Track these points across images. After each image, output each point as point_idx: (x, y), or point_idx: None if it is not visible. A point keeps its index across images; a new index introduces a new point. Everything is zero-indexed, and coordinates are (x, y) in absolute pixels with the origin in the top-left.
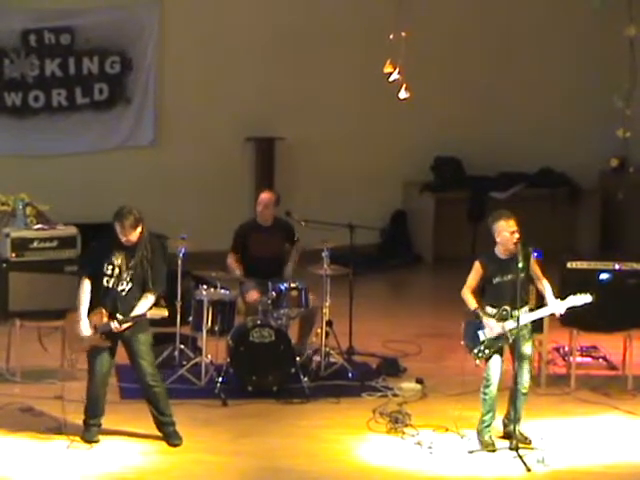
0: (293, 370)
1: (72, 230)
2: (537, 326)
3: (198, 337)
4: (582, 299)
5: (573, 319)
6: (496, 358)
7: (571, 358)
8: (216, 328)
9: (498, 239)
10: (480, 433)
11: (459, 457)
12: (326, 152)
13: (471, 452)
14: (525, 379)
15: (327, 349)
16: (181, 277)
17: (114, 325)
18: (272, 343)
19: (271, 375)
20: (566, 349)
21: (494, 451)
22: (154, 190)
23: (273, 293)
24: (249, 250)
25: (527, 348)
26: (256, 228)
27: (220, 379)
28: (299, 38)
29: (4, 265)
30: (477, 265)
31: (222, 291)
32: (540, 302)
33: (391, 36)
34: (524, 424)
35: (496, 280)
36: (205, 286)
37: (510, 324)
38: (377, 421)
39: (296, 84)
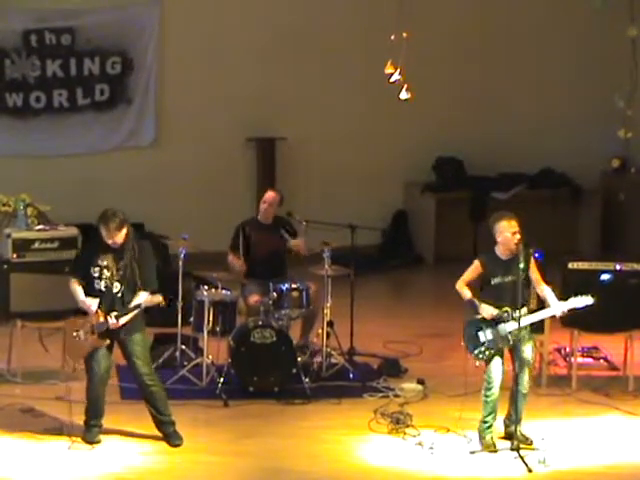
0: (294, 371)
1: (73, 231)
2: (538, 327)
3: (199, 338)
4: (583, 301)
5: (574, 320)
6: (497, 360)
7: (572, 359)
8: (217, 329)
9: (499, 239)
10: (481, 434)
11: (460, 458)
12: (327, 152)
13: (472, 453)
14: (525, 380)
15: (328, 350)
16: (182, 277)
17: (112, 321)
18: (273, 344)
19: (272, 376)
20: (567, 350)
21: (495, 452)
22: (155, 190)
23: (274, 294)
24: (250, 248)
25: (527, 349)
26: (257, 226)
27: (221, 380)
28: (300, 38)
29: (5, 266)
30: (477, 263)
31: (223, 292)
32: (540, 304)
33: (392, 37)
34: (525, 425)
35: (496, 281)
36: (206, 287)
37: (511, 326)
38: (378, 422)
39: (297, 84)
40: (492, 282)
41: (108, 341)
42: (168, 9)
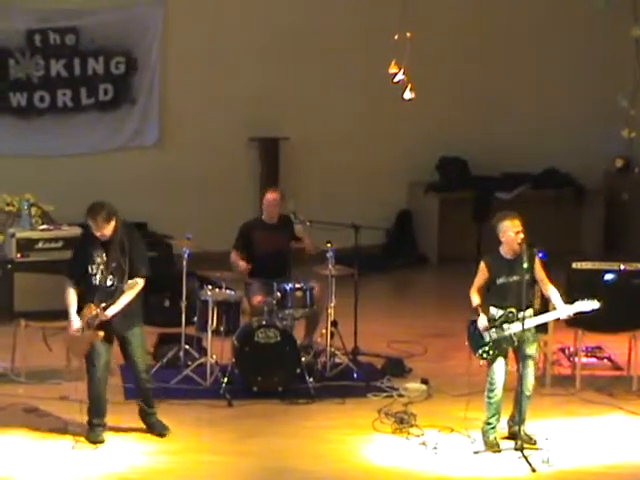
0: (298, 370)
1: (77, 231)
2: (542, 327)
3: (203, 337)
4: (589, 305)
5: (578, 320)
6: (500, 361)
7: (576, 359)
8: (221, 328)
9: (503, 239)
10: (485, 434)
11: (464, 458)
12: (330, 152)
13: (476, 453)
14: (529, 382)
15: (332, 349)
16: (186, 277)
17: (101, 313)
18: (277, 344)
19: (276, 376)
20: (571, 350)
21: (499, 452)
22: (159, 190)
23: (278, 293)
24: (254, 247)
25: (531, 350)
26: (261, 226)
27: (225, 379)
28: (303, 38)
29: (9, 266)
30: (482, 266)
31: (227, 291)
32: (545, 304)
33: (396, 37)
34: (529, 424)
35: (500, 281)
36: (210, 286)
37: (516, 326)
38: (382, 421)
39: (300, 84)
40: (497, 282)
41: (102, 333)
42: (172, 9)
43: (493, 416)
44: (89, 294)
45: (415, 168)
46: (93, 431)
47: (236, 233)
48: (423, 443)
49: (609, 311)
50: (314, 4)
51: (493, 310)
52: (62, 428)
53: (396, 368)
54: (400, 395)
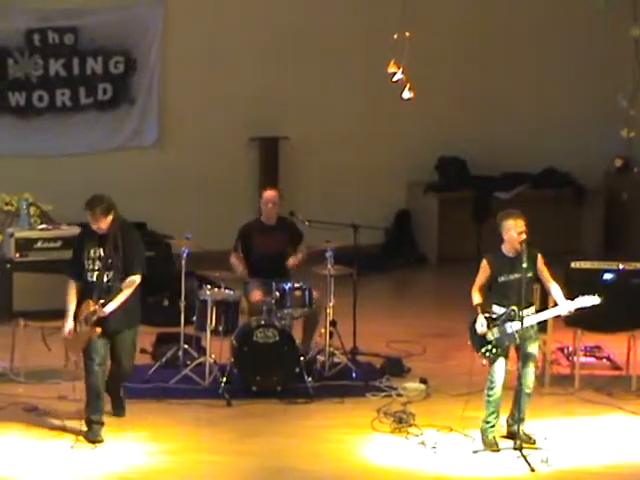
0: (297, 370)
1: (76, 230)
2: (541, 326)
3: (202, 337)
4: (590, 300)
5: (577, 319)
6: (500, 360)
7: (575, 358)
8: (220, 328)
9: (505, 237)
10: (484, 433)
11: (463, 457)
12: (330, 152)
13: (475, 452)
14: (530, 379)
15: (331, 349)
16: (185, 277)
17: (99, 310)
18: (276, 343)
19: (275, 375)
20: (570, 349)
21: (498, 451)
22: (158, 190)
23: (277, 293)
24: (253, 249)
25: (533, 348)
26: (260, 227)
27: (224, 379)
28: (303, 38)
29: (8, 265)
30: (484, 263)
31: (226, 291)
32: (544, 303)
33: (395, 36)
34: (528, 424)
35: (502, 279)
36: (209, 286)
37: (518, 324)
38: (381, 421)
39: (300, 84)
40: (499, 280)
41: (100, 329)
42: (171, 9)
43: (492, 414)
44: (87, 291)
45: (414, 168)
46: (91, 430)
47: (235, 234)
48: (422, 442)
49: (608, 311)
50: (314, 4)
51: (495, 308)
52: (61, 427)
53: (395, 368)
54: (399, 395)
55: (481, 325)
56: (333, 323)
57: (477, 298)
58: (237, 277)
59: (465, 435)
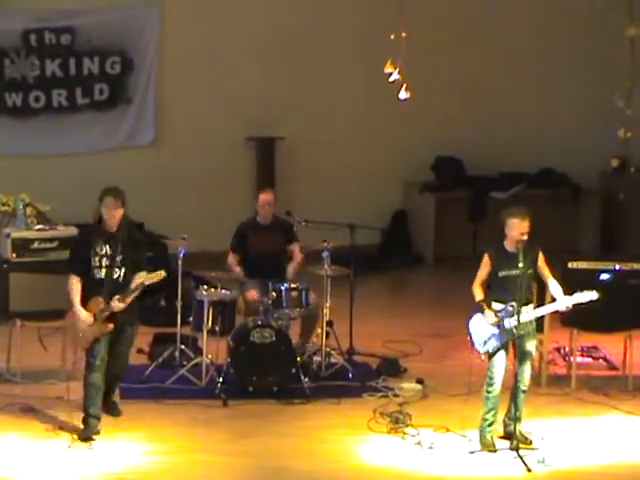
0: (294, 370)
1: (72, 231)
2: (538, 326)
3: (199, 337)
4: (588, 296)
5: (574, 319)
6: (500, 356)
7: (571, 358)
8: (217, 328)
9: (507, 234)
10: (482, 432)
11: (460, 457)
12: (326, 152)
13: (472, 453)
14: (526, 377)
15: (328, 349)
16: (182, 277)
17: (114, 304)
18: (273, 343)
19: (272, 375)
20: (566, 349)
21: (494, 451)
22: (155, 190)
23: (273, 293)
24: (249, 249)
25: (531, 346)
26: (256, 227)
27: (221, 379)
28: (299, 38)
29: (5, 266)
30: (486, 258)
31: (222, 291)
32: (541, 300)
33: (392, 36)
34: (525, 424)
35: (502, 273)
36: (205, 286)
37: (516, 320)
38: (378, 421)
39: (296, 84)
40: (499, 274)
41: (112, 325)
42: (168, 9)
43: (490, 411)
44: (95, 288)
45: (411, 168)
46: (88, 425)
47: (232, 233)
48: (418, 443)
49: (605, 311)
50: (311, 4)
51: (495, 305)
52: (58, 428)
53: (391, 368)
54: (395, 395)
55: (491, 317)
56: (330, 323)
57: (479, 294)
58: (234, 276)
59: (462, 435)
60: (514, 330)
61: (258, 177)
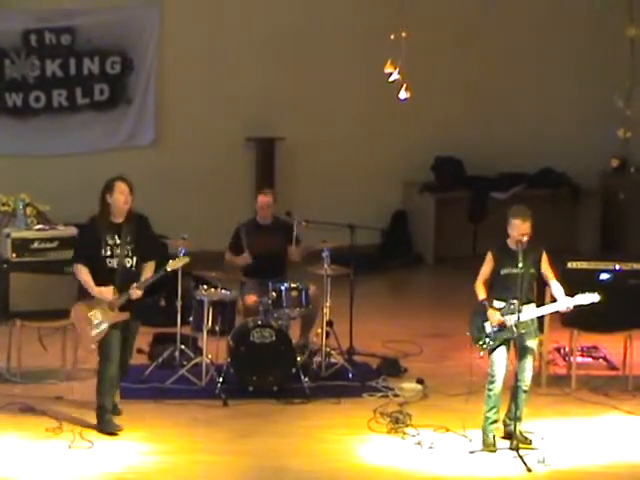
0: (294, 370)
1: (72, 231)
2: (538, 326)
3: (199, 337)
4: (589, 298)
5: (574, 319)
6: (501, 353)
7: (571, 358)
8: (217, 328)
9: (509, 233)
10: (484, 431)
11: (460, 457)
12: (326, 152)
13: (472, 452)
14: (527, 376)
15: (328, 349)
16: (181, 277)
17: (133, 292)
18: (273, 343)
19: (272, 375)
20: (566, 349)
21: (494, 451)
22: (155, 190)
23: (273, 293)
24: (249, 249)
25: (531, 343)
26: (256, 227)
27: (221, 379)
28: (299, 38)
29: (5, 265)
30: (489, 256)
31: (222, 291)
32: (541, 301)
33: (392, 36)
34: (525, 424)
35: (505, 271)
36: (205, 286)
37: (516, 317)
38: (378, 421)
39: (296, 84)
40: (501, 272)
41: (128, 313)
42: (168, 9)
43: (491, 409)
44: (106, 277)
45: (411, 168)
46: (106, 420)
47: (232, 234)
48: (418, 443)
49: (605, 311)
50: (311, 4)
51: (496, 304)
52: (58, 428)
53: (391, 368)
54: (395, 395)
55: (494, 317)
56: (330, 323)
57: (482, 293)
58: (233, 276)
59: (462, 435)
60: (514, 328)
61: (258, 177)
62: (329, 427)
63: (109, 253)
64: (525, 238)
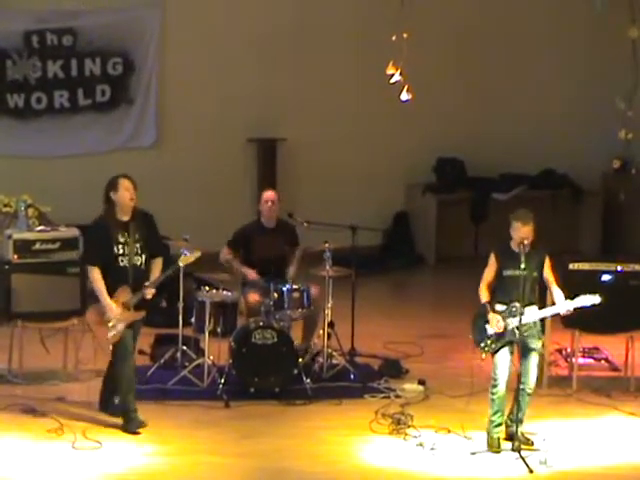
0: (295, 371)
1: (74, 232)
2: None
3: (200, 338)
4: (590, 300)
5: (575, 320)
6: (503, 356)
7: (573, 359)
8: (218, 329)
9: (512, 234)
10: (489, 433)
11: (461, 458)
12: (328, 153)
13: (473, 453)
14: (531, 379)
15: (329, 350)
16: (183, 278)
17: (147, 291)
18: (274, 344)
19: (273, 376)
20: (568, 350)
21: (498, 452)
22: (156, 191)
23: (275, 294)
24: (253, 251)
25: (535, 344)
26: (260, 230)
27: (222, 380)
28: (300, 39)
29: (6, 267)
30: (492, 258)
31: (224, 292)
32: (542, 303)
33: (393, 37)
34: (526, 425)
35: (507, 273)
36: (207, 287)
37: (517, 320)
38: (379, 422)
39: (298, 85)
40: (504, 274)
41: (144, 313)
42: (169, 10)
43: (496, 413)
44: (119, 276)
45: (412, 169)
46: (132, 419)
47: (235, 231)
48: (420, 444)
49: (606, 312)
50: (311, 4)
51: (498, 307)
52: (59, 429)
53: (393, 369)
54: (397, 396)
55: (497, 321)
56: (331, 324)
57: (485, 296)
58: (235, 278)
59: (464, 436)
60: (516, 330)
61: (259, 178)
62: (331, 428)
63: (121, 251)
64: (526, 241)
